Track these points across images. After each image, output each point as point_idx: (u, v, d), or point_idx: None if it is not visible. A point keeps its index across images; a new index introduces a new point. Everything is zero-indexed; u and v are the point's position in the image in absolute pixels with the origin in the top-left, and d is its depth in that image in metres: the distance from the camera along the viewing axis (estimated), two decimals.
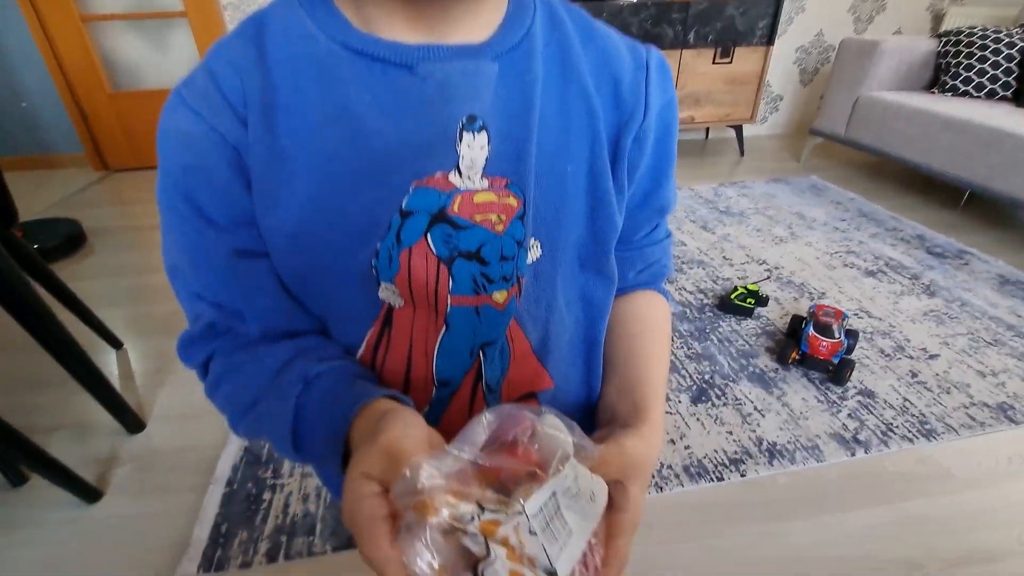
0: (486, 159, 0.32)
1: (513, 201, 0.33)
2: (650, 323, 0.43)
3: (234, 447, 1.08)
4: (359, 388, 0.31)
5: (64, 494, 0.98)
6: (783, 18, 2.66)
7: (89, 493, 0.99)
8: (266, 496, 0.98)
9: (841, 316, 1.27)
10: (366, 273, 0.33)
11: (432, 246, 0.32)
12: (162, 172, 0.32)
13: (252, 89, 0.30)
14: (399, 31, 0.30)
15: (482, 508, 0.22)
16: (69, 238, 1.97)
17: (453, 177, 0.32)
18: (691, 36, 2.39)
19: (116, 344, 1.41)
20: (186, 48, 2.69)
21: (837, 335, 1.20)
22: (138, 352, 1.41)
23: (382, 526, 0.22)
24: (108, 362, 1.37)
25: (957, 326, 1.43)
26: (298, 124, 0.30)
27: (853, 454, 1.05)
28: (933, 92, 2.32)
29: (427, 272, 0.33)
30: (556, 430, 0.25)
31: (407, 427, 0.25)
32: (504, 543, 0.21)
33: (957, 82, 2.23)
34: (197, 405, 1.21)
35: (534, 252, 0.35)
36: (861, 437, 1.08)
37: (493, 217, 0.32)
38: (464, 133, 0.31)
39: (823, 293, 1.58)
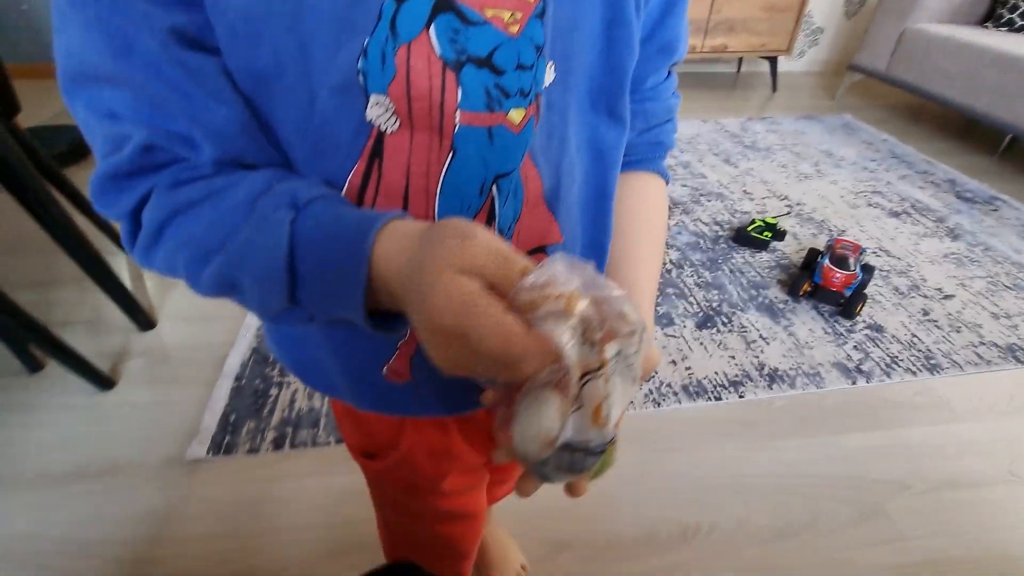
0: None
1: None
2: (643, 218, 0.39)
3: (244, 346, 1.11)
4: (369, 212, 0.26)
5: (78, 381, 1.02)
6: None
7: (102, 381, 1.03)
8: (273, 392, 1.01)
9: (859, 250, 1.23)
10: (350, 81, 0.25)
11: (436, 44, 0.25)
12: None
13: None
14: None
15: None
16: (77, 144, 1.95)
17: None
18: None
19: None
20: None
21: (852, 267, 1.17)
22: None
23: (509, 318, 0.19)
24: (119, 264, 1.38)
25: (977, 269, 1.38)
26: None
27: (854, 383, 1.05)
28: (987, 26, 2.14)
29: (431, 79, 0.26)
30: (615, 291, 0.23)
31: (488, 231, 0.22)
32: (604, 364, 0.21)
33: (1015, 15, 2.05)
34: (208, 308, 1.23)
35: (548, 74, 0.29)
36: (864, 368, 1.08)
37: (505, 15, 0.26)
38: None
39: (843, 231, 1.53)
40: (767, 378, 1.05)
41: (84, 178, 1.56)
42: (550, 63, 0.29)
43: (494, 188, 0.30)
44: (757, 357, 1.09)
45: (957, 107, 2.01)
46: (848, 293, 1.18)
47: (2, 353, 1.04)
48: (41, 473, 0.89)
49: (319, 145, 0.28)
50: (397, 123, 0.27)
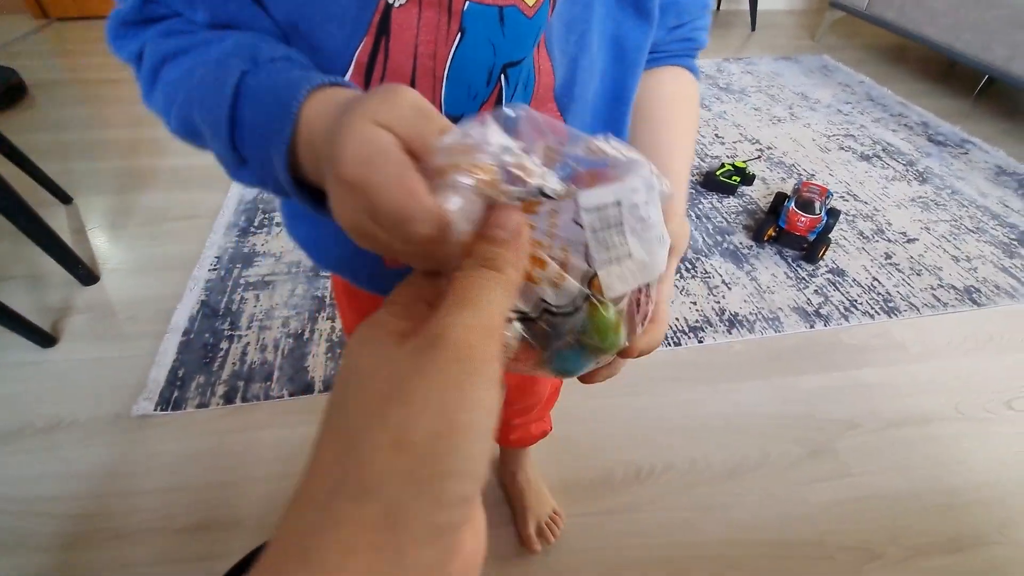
0: None
1: None
2: (676, 107, 0.37)
3: (191, 299, 1.06)
4: (315, 75, 0.24)
5: (18, 339, 0.97)
6: None
7: (43, 338, 0.98)
8: (223, 345, 0.98)
9: (826, 194, 1.22)
10: (351, 14, 0.25)
11: None
12: None
13: None
14: None
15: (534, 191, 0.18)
16: (7, 88, 1.79)
17: None
18: None
19: (65, 199, 1.33)
20: None
21: (818, 211, 1.16)
22: (89, 207, 1.34)
23: (415, 174, 0.17)
24: (57, 216, 1.30)
25: (942, 213, 1.39)
26: None
27: (812, 326, 1.05)
28: None
29: (432, 24, 0.26)
30: (623, 151, 0.20)
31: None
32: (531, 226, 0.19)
33: None
34: (152, 259, 1.18)
35: None
36: (823, 311, 1.09)
37: None
38: None
39: (812, 175, 1.51)
40: (727, 323, 1.05)
41: (17, 124, 1.46)
42: None
43: (502, 77, 0.29)
44: (719, 303, 1.09)
45: (937, 46, 1.96)
46: (812, 237, 1.17)
47: None
48: None
49: (323, 15, 0.26)
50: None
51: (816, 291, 1.13)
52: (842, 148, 1.65)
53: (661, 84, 0.37)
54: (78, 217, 1.30)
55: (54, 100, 1.84)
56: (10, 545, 0.74)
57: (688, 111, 0.37)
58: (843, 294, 1.12)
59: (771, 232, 1.20)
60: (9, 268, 1.15)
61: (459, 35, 0.27)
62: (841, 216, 1.31)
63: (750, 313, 1.07)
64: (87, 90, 1.91)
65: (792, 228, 1.16)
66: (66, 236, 1.15)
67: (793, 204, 1.17)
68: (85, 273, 1.11)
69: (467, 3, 0.26)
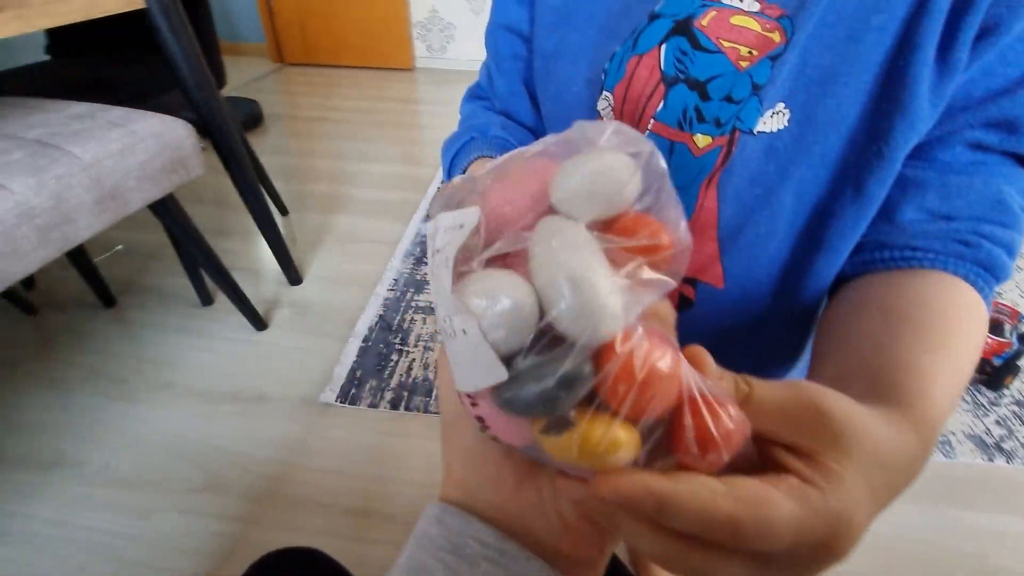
0: None
1: (777, 36, 0.27)
2: (944, 318, 0.25)
3: (372, 312, 1.24)
4: (495, 150, 0.39)
5: (238, 320, 1.19)
6: None
7: (259, 322, 1.20)
8: (393, 357, 1.12)
9: (1018, 317, 1.11)
10: (596, 76, 0.32)
11: (662, 59, 0.29)
12: None
13: None
14: None
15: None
16: (251, 116, 2.25)
17: None
18: None
19: (284, 211, 1.63)
20: None
21: (1008, 335, 1.06)
22: (300, 221, 1.61)
23: None
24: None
25: None
26: None
27: (991, 459, 0.95)
28: None
29: (645, 86, 0.30)
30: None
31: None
32: None
33: None
34: (345, 273, 1.39)
35: (778, 120, 0.27)
36: (1006, 446, 0.97)
37: (742, 48, 0.27)
38: None
39: (1000, 293, 1.37)
40: None
41: (257, 143, 1.81)
42: (785, 111, 0.27)
43: None
44: None
45: None
46: (998, 363, 1.06)
47: (184, 285, 1.25)
48: (206, 389, 1.06)
49: (562, 120, 0.35)
50: (610, 117, 0.32)
51: (998, 422, 1.02)
52: None
53: (913, 300, 0.26)
54: (291, 228, 1.58)
55: (281, 130, 2.27)
56: (219, 487, 0.90)
57: (959, 327, 0.25)
58: None
59: None
60: (240, 261, 1.42)
61: None
62: None
63: None
64: (305, 125, 2.33)
65: None
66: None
67: None
68: (294, 275, 1.34)
69: (648, 131, 0.31)
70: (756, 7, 0.28)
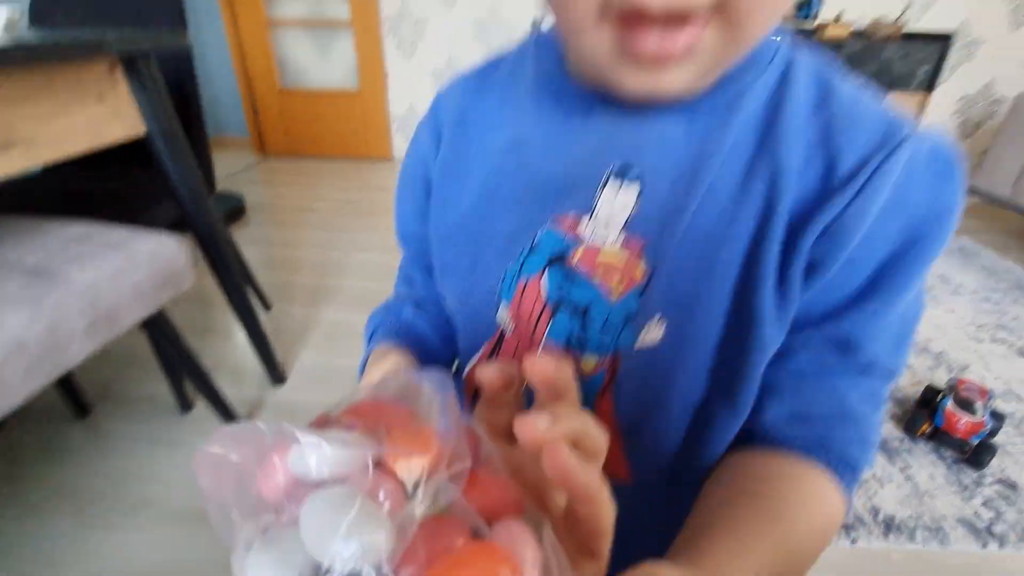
0: (631, 214, 0.30)
1: (641, 268, 0.30)
2: (779, 503, 0.28)
3: None
4: (396, 338, 0.42)
5: (219, 424, 1.16)
6: (947, 64, 2.45)
7: None
8: None
9: (987, 395, 1.16)
10: (492, 291, 0.35)
11: (545, 285, 0.32)
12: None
13: (460, 109, 0.37)
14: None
15: None
16: (234, 208, 2.30)
17: (584, 224, 0.31)
18: None
19: (267, 305, 1.63)
20: (347, 55, 3.02)
21: (980, 414, 1.10)
22: (283, 315, 1.61)
23: None
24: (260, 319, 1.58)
25: None
26: (488, 146, 0.35)
27: (985, 545, 0.95)
28: None
29: (533, 309, 0.33)
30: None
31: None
32: None
33: None
34: (331, 369, 1.37)
35: (654, 333, 0.30)
36: (995, 530, 0.98)
37: (613, 281, 0.30)
38: (611, 179, 0.30)
39: (966, 367, 1.43)
40: (882, 525, 0.98)
41: (239, 236, 1.85)
42: (659, 327, 0.30)
43: None
44: (871, 499, 1.03)
45: None
46: (975, 442, 1.10)
47: (162, 390, 1.22)
48: (182, 508, 1.01)
49: (469, 325, 0.39)
50: (512, 330, 0.35)
51: (985, 503, 1.03)
52: (995, 340, 1.56)
53: (783, 473, 0.30)
54: (275, 322, 1.57)
55: (263, 221, 2.31)
56: None
57: (811, 522, 0.28)
58: (1020, 512, 1.02)
59: (926, 428, 1.15)
60: (222, 360, 1.39)
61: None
62: (1007, 420, 1.22)
63: (909, 517, 1.00)
64: (288, 216, 2.38)
65: (951, 429, 1.10)
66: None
67: (951, 403, 1.12)
68: (277, 373, 1.32)
69: (541, 351, 0.33)
70: (621, 240, 0.31)
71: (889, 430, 1.20)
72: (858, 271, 0.29)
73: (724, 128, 0.29)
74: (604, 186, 0.30)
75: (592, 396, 0.33)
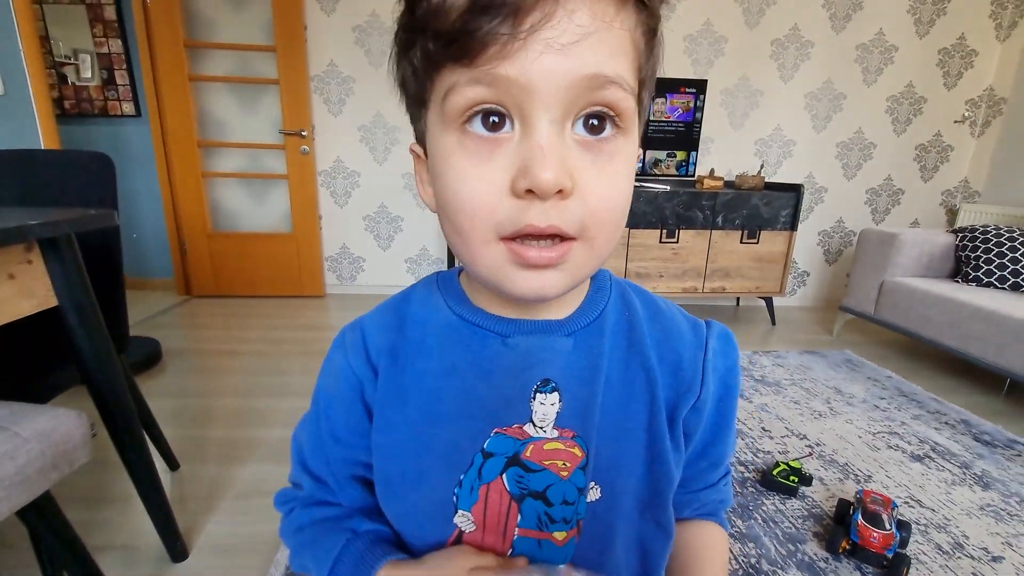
0: (557, 413, 0.38)
1: (577, 452, 0.39)
2: (703, 554, 0.45)
3: None
4: (389, 548, 0.41)
5: None
6: (803, 207, 2.97)
7: None
8: None
9: (890, 504, 1.24)
10: (447, 499, 0.39)
11: (506, 484, 0.39)
12: (318, 383, 0.44)
13: (388, 343, 0.41)
14: (499, 306, 0.40)
15: None
16: (147, 356, 2.17)
17: (527, 427, 0.39)
18: (719, 219, 2.68)
19: (174, 465, 1.49)
20: (281, 203, 3.17)
21: (888, 526, 1.17)
22: (192, 475, 1.47)
23: None
24: (164, 483, 1.43)
25: (1019, 525, 1.35)
26: (422, 370, 0.40)
27: None
28: (958, 281, 2.45)
29: (500, 506, 0.39)
30: None
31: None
32: None
33: (979, 273, 2.36)
34: (241, 538, 1.24)
35: (593, 493, 0.39)
36: None
37: (559, 463, 0.38)
38: (538, 393, 0.38)
39: (869, 475, 1.54)
40: None
41: (147, 389, 1.74)
42: (596, 485, 0.40)
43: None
44: None
45: (950, 351, 2.18)
46: (890, 554, 1.15)
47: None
48: None
49: (417, 530, 0.41)
50: (474, 527, 0.40)
51: None
52: (891, 447, 1.71)
53: (687, 545, 0.45)
54: (181, 485, 1.43)
55: (181, 368, 2.19)
56: None
57: (713, 567, 0.45)
58: None
59: (844, 545, 1.19)
60: (113, 537, 1.23)
61: (510, 550, 0.40)
62: (913, 528, 1.29)
63: None
64: (209, 360, 2.27)
65: (866, 544, 1.16)
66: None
67: (860, 517, 1.19)
68: (180, 548, 1.17)
69: (516, 535, 0.39)
70: (556, 434, 0.39)
71: (814, 550, 1.24)
72: (709, 420, 0.43)
73: (600, 338, 0.40)
74: (534, 399, 0.38)
75: (568, 558, 0.41)
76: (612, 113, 0.30)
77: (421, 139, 0.36)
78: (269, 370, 2.17)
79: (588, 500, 0.39)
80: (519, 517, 0.39)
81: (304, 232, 3.14)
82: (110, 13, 2.93)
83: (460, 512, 0.39)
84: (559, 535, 0.39)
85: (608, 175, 0.31)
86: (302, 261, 3.18)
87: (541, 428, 0.38)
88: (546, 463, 0.38)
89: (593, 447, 0.38)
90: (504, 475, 0.38)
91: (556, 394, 0.38)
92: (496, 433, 0.38)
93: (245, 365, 2.22)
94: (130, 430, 1.05)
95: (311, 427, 0.44)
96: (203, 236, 3.10)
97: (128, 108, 3.07)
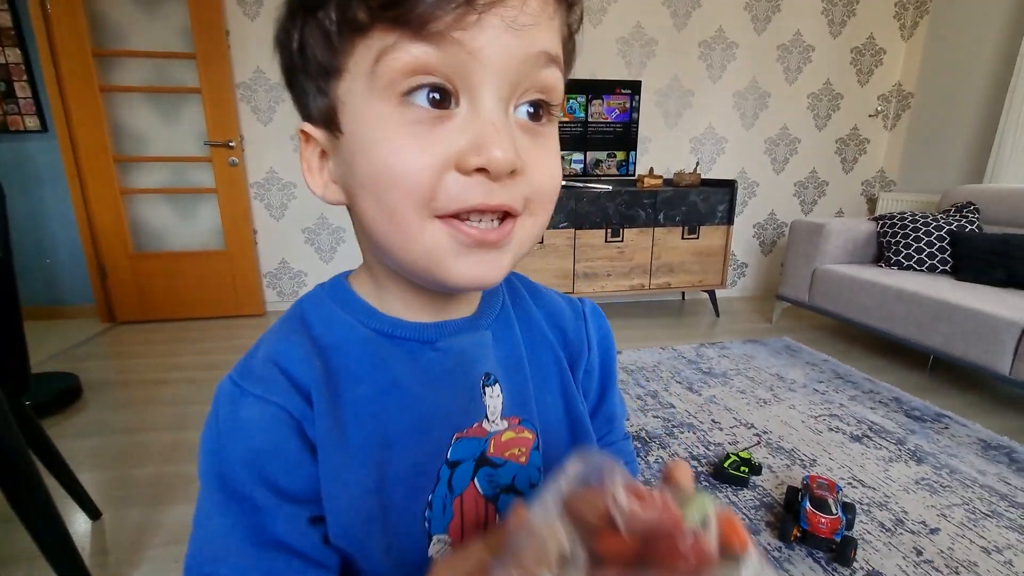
0: (501, 404, 0.39)
1: (528, 435, 0.40)
2: None
3: None
4: None
5: None
6: (738, 201, 3.08)
7: None
8: None
9: (835, 488, 1.29)
10: (418, 528, 0.35)
11: (479, 488, 0.37)
12: (224, 467, 0.32)
13: (315, 369, 0.34)
14: (414, 312, 0.37)
15: None
16: (64, 392, 1.97)
17: (485, 424, 0.38)
18: (661, 217, 2.74)
19: (95, 514, 1.35)
20: (211, 219, 2.98)
21: (834, 510, 1.21)
22: (115, 523, 1.34)
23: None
24: (83, 534, 1.29)
25: (951, 495, 1.43)
26: (357, 396, 0.35)
27: None
28: (881, 266, 2.60)
29: (477, 514, 0.37)
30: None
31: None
32: None
33: (900, 258, 2.52)
34: None
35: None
36: None
37: (516, 451, 0.39)
38: (486, 388, 0.38)
39: (814, 459, 1.60)
40: None
41: (65, 429, 1.57)
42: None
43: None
44: None
45: (878, 333, 2.32)
46: (838, 538, 1.19)
47: None
48: None
49: (401, 568, 0.35)
50: (450, 550, 0.36)
51: None
52: (831, 429, 1.78)
53: None
54: (103, 536, 1.29)
55: (104, 403, 2.00)
56: None
57: None
58: None
59: (795, 533, 1.22)
60: None
61: None
62: (857, 508, 1.35)
63: None
64: (137, 391, 2.10)
65: (815, 530, 1.19)
66: (87, 558, 1.13)
67: (808, 504, 1.23)
68: None
69: None
70: (505, 424, 0.39)
71: (767, 540, 1.26)
72: (596, 382, 0.48)
73: (511, 327, 0.42)
74: (484, 394, 0.38)
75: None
76: (547, 100, 0.31)
77: (324, 116, 0.31)
78: (203, 398, 2.02)
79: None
80: (498, 517, 0.38)
81: (238, 248, 2.96)
82: (4, 20, 2.66)
83: (434, 538, 0.36)
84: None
85: (548, 155, 0.33)
86: (237, 279, 3.00)
87: (493, 422, 0.38)
88: (506, 455, 0.39)
89: (539, 427, 0.40)
90: (476, 479, 0.37)
91: (498, 385, 0.39)
92: (458, 439, 0.37)
93: (177, 395, 2.06)
94: (29, 488, 0.93)
95: (235, 524, 0.32)
96: (124, 257, 2.87)
97: (32, 123, 2.80)
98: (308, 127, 0.33)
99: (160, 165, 2.87)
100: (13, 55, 2.72)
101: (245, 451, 0.32)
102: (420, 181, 0.28)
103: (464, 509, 0.37)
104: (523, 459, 0.39)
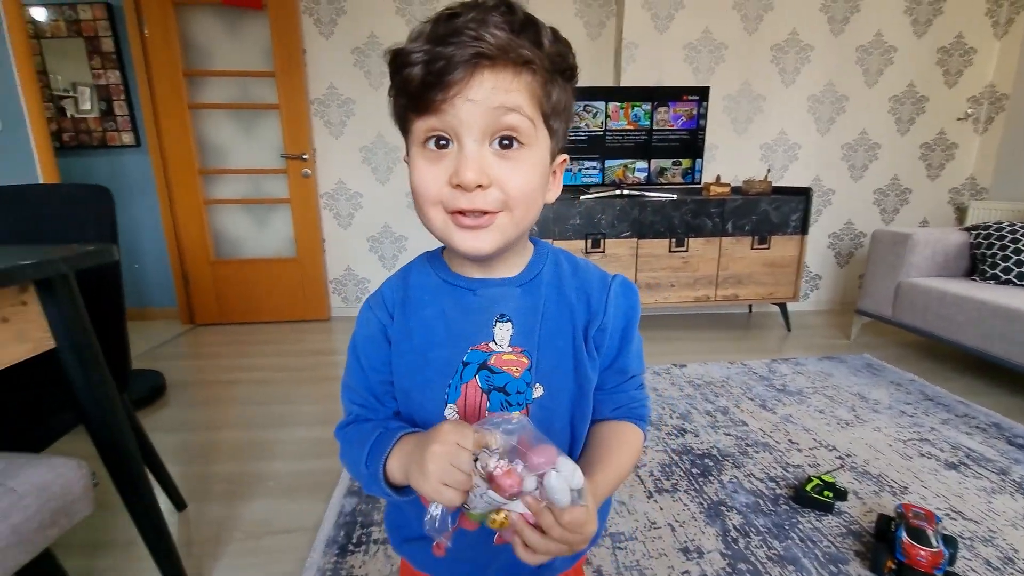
0: (511, 335, 0.55)
1: (524, 360, 0.55)
2: (615, 437, 0.59)
3: None
4: (397, 433, 0.53)
5: None
6: (812, 209, 2.93)
7: None
8: None
9: (934, 519, 1.18)
10: (441, 397, 0.55)
11: (479, 383, 0.54)
12: (355, 335, 0.59)
13: (398, 300, 0.58)
14: (470, 271, 0.56)
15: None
16: (152, 389, 2.12)
17: (491, 344, 0.55)
18: (729, 226, 2.64)
19: (181, 505, 1.43)
20: (283, 227, 3.14)
21: (935, 543, 1.11)
22: (199, 516, 1.41)
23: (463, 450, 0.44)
24: (170, 524, 1.37)
25: None
26: (421, 316, 0.56)
27: None
28: (975, 279, 2.39)
29: (475, 398, 0.55)
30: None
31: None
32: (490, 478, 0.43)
33: (997, 271, 2.31)
34: None
35: (538, 391, 0.55)
36: None
37: (513, 368, 0.55)
38: (497, 323, 0.55)
39: (905, 487, 1.47)
40: None
41: (151, 423, 1.67)
42: (539, 386, 0.55)
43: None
44: None
45: (973, 352, 2.12)
46: (939, 574, 1.08)
47: None
48: None
49: (424, 423, 0.54)
50: (457, 417, 0.55)
51: None
52: (923, 455, 1.64)
53: (605, 432, 0.59)
54: (188, 527, 1.37)
55: (185, 400, 2.13)
56: None
57: (621, 444, 0.58)
58: None
59: (890, 565, 1.13)
60: None
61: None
62: (959, 543, 1.23)
63: None
64: (214, 391, 2.22)
65: (914, 563, 1.09)
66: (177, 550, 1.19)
67: (904, 534, 1.13)
68: None
69: (486, 416, 0.51)
70: (510, 349, 0.55)
71: (857, 571, 1.17)
72: (614, 340, 0.58)
73: (539, 288, 0.57)
74: (495, 326, 0.55)
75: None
76: (514, 135, 0.46)
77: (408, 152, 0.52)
78: (276, 398, 2.12)
79: (535, 396, 0.54)
80: (488, 404, 0.54)
81: (308, 255, 3.10)
82: (108, 45, 2.94)
83: (448, 406, 0.55)
84: (515, 414, 0.51)
85: (519, 173, 0.47)
86: (306, 285, 3.15)
87: (500, 345, 0.54)
88: (504, 367, 0.54)
89: (535, 357, 0.55)
90: (477, 376, 0.54)
91: (510, 323, 0.55)
92: (472, 349, 0.55)
93: (251, 394, 2.17)
94: (133, 475, 1.00)
95: (354, 369, 0.59)
96: (206, 264, 3.07)
97: (127, 138, 3.06)
98: (405, 157, 0.53)
99: (239, 177, 3.06)
100: (114, 76, 2.99)
101: (359, 336, 0.58)
102: (431, 192, 0.48)
103: (468, 393, 0.54)
104: (516, 373, 0.55)
